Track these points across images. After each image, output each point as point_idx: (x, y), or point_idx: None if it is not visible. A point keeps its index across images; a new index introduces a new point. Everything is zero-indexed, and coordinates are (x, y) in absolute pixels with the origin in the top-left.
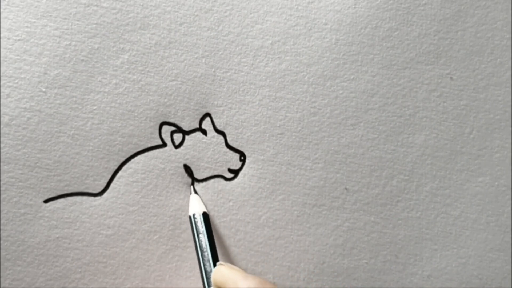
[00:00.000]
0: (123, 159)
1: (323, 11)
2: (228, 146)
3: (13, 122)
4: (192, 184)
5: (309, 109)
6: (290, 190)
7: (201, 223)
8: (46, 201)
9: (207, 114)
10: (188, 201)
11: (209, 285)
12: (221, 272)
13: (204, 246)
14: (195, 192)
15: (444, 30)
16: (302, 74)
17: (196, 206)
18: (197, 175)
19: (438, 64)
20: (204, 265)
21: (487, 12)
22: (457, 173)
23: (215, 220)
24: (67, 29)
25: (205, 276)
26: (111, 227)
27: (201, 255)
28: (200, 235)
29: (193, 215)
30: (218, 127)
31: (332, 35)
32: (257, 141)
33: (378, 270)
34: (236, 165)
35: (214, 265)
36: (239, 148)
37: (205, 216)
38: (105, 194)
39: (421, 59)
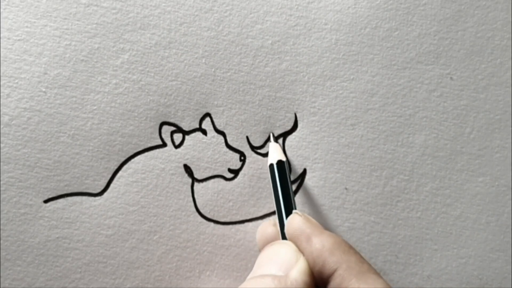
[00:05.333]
0: (123, 159)
1: (323, 11)
2: (228, 146)
3: (13, 122)
4: (192, 184)
5: (309, 109)
6: None
7: (275, 172)
8: (46, 201)
9: (207, 114)
10: (187, 201)
11: (283, 237)
12: (295, 222)
13: (279, 195)
14: (275, 140)
15: (444, 30)
16: (302, 74)
17: (273, 155)
18: (197, 175)
19: (438, 64)
20: (279, 216)
21: (487, 12)
22: (457, 173)
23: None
24: (67, 29)
25: (281, 228)
26: (111, 227)
27: (276, 205)
28: (276, 185)
29: (270, 164)
30: (218, 127)
31: (332, 35)
32: (257, 141)
33: (378, 270)
34: (236, 165)
35: (287, 216)
36: (239, 148)
37: (280, 164)
38: (105, 194)
39: (421, 59)
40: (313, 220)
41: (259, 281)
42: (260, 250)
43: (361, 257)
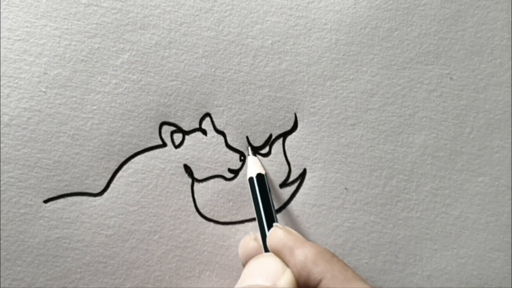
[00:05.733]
0: (123, 159)
1: (323, 11)
2: (228, 146)
3: (13, 122)
4: (192, 184)
5: (309, 109)
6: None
7: (255, 185)
8: (46, 201)
9: (207, 114)
10: (187, 201)
11: (266, 250)
12: (277, 235)
13: (260, 208)
14: (254, 154)
15: (444, 30)
16: (302, 74)
17: (252, 168)
18: (197, 175)
19: (438, 64)
20: (261, 229)
21: (487, 12)
22: (457, 173)
23: (215, 218)
24: (67, 29)
25: (263, 241)
26: (111, 227)
27: (258, 218)
28: (256, 198)
29: (249, 178)
30: (218, 127)
31: (332, 35)
32: (257, 141)
33: (378, 270)
34: (236, 165)
35: (269, 229)
36: (239, 148)
37: (260, 177)
38: (105, 194)
39: (421, 59)
40: (294, 232)
41: None
42: (243, 264)
43: (345, 264)
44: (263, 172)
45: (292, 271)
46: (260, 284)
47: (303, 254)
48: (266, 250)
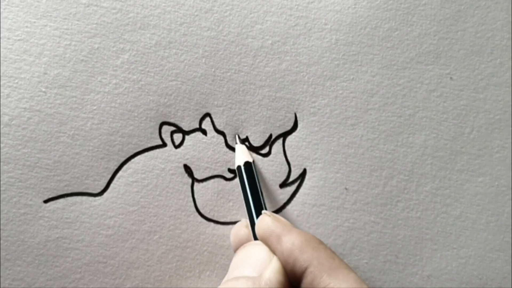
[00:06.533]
0: (123, 159)
1: (323, 11)
2: (228, 146)
3: (13, 122)
4: (192, 184)
5: (309, 109)
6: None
7: (243, 173)
8: (46, 201)
9: (207, 114)
10: (187, 201)
11: (255, 238)
12: (265, 222)
13: (248, 196)
14: (241, 142)
15: (444, 30)
16: (302, 74)
17: (240, 157)
18: (197, 175)
19: (438, 64)
20: (250, 217)
21: (487, 12)
22: (457, 173)
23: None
24: (67, 29)
25: (252, 229)
26: (111, 227)
27: (247, 206)
28: (244, 186)
29: (237, 166)
30: (218, 127)
31: (332, 35)
32: (257, 141)
33: (378, 270)
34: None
35: (257, 216)
36: None
37: (248, 166)
38: (105, 194)
39: (421, 59)
40: (283, 219)
41: (234, 283)
42: (234, 252)
43: (332, 252)
44: (250, 160)
45: (279, 259)
46: (247, 275)
47: (290, 241)
48: (256, 238)
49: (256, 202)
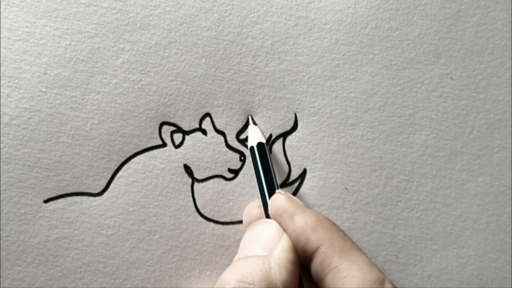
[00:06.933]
0: (123, 159)
1: (323, 11)
2: (228, 146)
3: (13, 122)
4: (192, 184)
5: (309, 109)
6: (290, 190)
7: (256, 154)
8: (46, 201)
9: (207, 114)
10: (187, 201)
11: (267, 217)
12: (278, 201)
13: (260, 176)
14: (254, 123)
15: (444, 30)
16: (302, 74)
17: (252, 137)
18: (197, 175)
19: (438, 64)
20: (262, 196)
21: (487, 12)
22: (457, 173)
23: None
24: (67, 29)
25: (264, 210)
26: (111, 227)
27: (259, 186)
28: (257, 167)
29: (251, 147)
30: (218, 127)
31: (332, 35)
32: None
33: None
34: (236, 165)
35: (270, 197)
36: (238, 148)
37: (261, 146)
38: (105, 194)
39: (421, 59)
40: (296, 199)
41: (243, 263)
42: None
43: (344, 234)
44: (263, 141)
45: (291, 237)
46: (257, 254)
47: (303, 220)
48: (268, 217)
49: (269, 183)
